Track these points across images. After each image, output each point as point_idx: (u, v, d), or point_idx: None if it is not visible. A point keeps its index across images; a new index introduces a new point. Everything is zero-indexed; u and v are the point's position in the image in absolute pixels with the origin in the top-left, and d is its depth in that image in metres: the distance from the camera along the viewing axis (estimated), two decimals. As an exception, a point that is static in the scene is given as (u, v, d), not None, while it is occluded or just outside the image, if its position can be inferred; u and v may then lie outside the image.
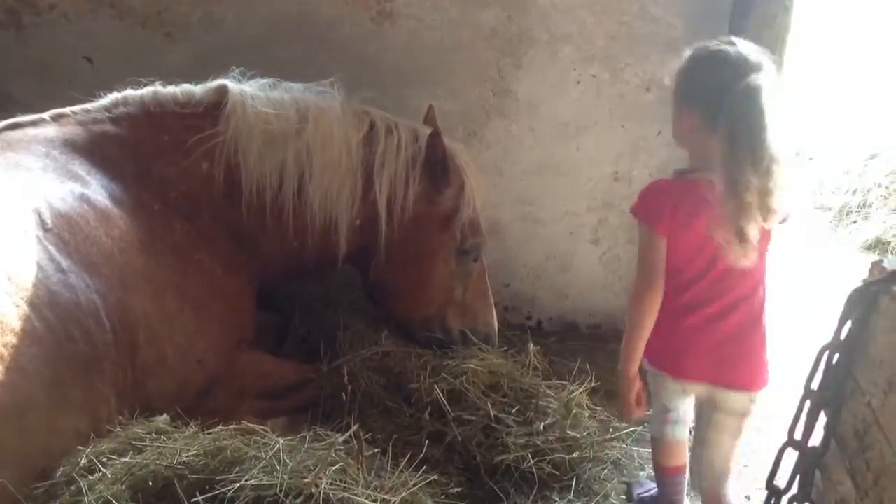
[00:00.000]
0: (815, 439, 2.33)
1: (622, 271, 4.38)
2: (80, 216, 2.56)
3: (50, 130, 2.84)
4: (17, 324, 2.16)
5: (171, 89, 3.09)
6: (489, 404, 2.86)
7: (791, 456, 2.36)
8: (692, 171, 2.51)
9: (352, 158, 3.11)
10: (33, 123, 2.85)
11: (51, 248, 2.40)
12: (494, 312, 3.54)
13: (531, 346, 3.27)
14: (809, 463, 2.33)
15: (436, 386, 2.90)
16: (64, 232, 2.47)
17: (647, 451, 3.13)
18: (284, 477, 2.08)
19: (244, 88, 3.11)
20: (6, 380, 2.07)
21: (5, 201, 2.42)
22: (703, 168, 2.41)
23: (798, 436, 2.34)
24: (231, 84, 3.11)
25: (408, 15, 3.98)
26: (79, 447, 2.20)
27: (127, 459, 2.14)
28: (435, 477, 2.43)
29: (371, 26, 4.01)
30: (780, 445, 2.39)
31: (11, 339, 2.12)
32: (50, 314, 2.27)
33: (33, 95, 3.88)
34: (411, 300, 3.39)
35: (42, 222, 2.43)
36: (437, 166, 3.21)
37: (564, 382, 3.11)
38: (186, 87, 3.12)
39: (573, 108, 4.02)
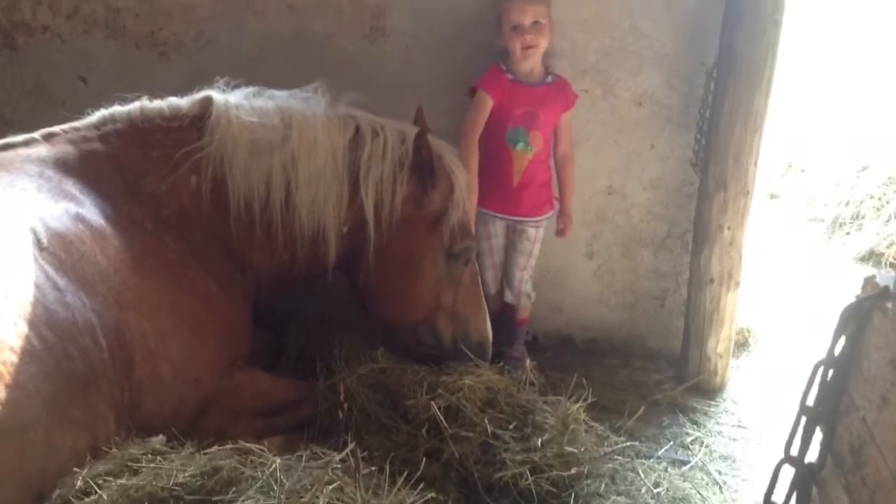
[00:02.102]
0: (812, 455, 2.34)
1: (617, 285, 4.39)
2: (76, 235, 2.55)
3: (42, 150, 2.83)
4: (15, 342, 2.15)
5: (157, 103, 3.08)
6: (486, 420, 2.85)
7: (788, 472, 2.37)
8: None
9: (337, 164, 3.09)
10: (25, 143, 2.85)
11: (47, 266, 2.39)
12: (488, 319, 3.52)
13: (527, 361, 3.26)
14: (806, 479, 2.33)
15: (432, 402, 2.89)
16: (60, 251, 2.46)
17: (648, 462, 3.13)
18: (281, 496, 2.08)
19: (228, 98, 3.10)
20: (7, 398, 2.06)
21: (1, 221, 2.42)
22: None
23: (794, 452, 2.35)
24: (215, 95, 3.10)
25: (401, 32, 4.01)
26: (74, 469, 2.19)
27: (123, 481, 2.13)
28: (432, 495, 2.41)
29: (365, 44, 4.04)
30: (776, 461, 2.39)
31: (10, 357, 2.11)
32: (48, 332, 2.26)
33: (27, 116, 3.90)
34: (400, 304, 3.38)
35: (38, 241, 2.42)
36: (424, 167, 3.19)
37: (561, 398, 3.10)
38: (173, 100, 3.10)
39: (566, 124, 4.04)
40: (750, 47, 3.60)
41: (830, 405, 2.29)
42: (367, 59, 4.04)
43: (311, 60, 3.99)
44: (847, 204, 7.33)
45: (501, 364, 3.38)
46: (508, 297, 3.98)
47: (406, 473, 2.49)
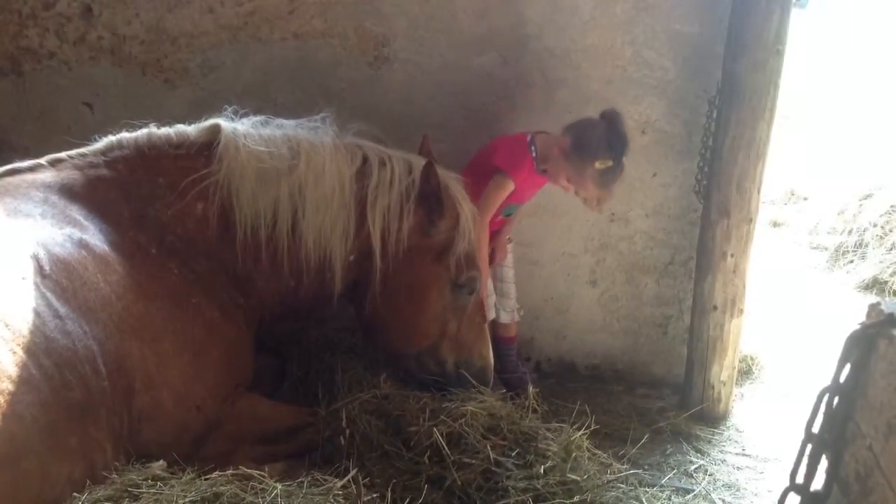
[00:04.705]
0: (817, 483, 2.31)
1: (621, 312, 4.38)
2: (79, 262, 2.55)
3: (47, 175, 2.84)
4: (13, 371, 2.14)
5: (165, 130, 3.09)
6: (489, 447, 2.82)
7: (793, 500, 2.34)
8: None
9: (344, 194, 3.10)
10: (31, 169, 2.85)
11: (48, 294, 2.38)
12: (490, 346, 3.50)
13: (530, 388, 3.25)
14: (812, 507, 2.31)
15: (435, 429, 2.86)
16: (62, 278, 2.46)
17: (652, 491, 3.09)
18: (282, 524, 2.07)
19: (237, 127, 3.11)
20: (2, 427, 2.05)
21: (3, 247, 2.42)
22: None
23: (800, 480, 2.32)
24: (224, 123, 3.11)
25: (404, 59, 4.04)
26: (74, 494, 2.18)
27: (123, 507, 2.12)
28: (434, 522, 2.41)
29: (368, 71, 4.07)
30: (781, 490, 2.37)
31: (8, 386, 2.10)
32: (46, 361, 2.25)
33: (33, 141, 3.91)
34: (405, 333, 3.35)
35: (40, 268, 2.42)
36: (431, 197, 3.18)
37: (564, 425, 3.07)
38: (181, 127, 3.12)
39: (569, 151, 4.05)
40: (752, 76, 3.62)
41: (836, 433, 2.27)
42: (372, 86, 4.07)
43: (316, 88, 4.02)
44: (850, 232, 7.35)
45: (504, 391, 3.37)
46: (504, 318, 3.98)
47: (408, 500, 2.48)
